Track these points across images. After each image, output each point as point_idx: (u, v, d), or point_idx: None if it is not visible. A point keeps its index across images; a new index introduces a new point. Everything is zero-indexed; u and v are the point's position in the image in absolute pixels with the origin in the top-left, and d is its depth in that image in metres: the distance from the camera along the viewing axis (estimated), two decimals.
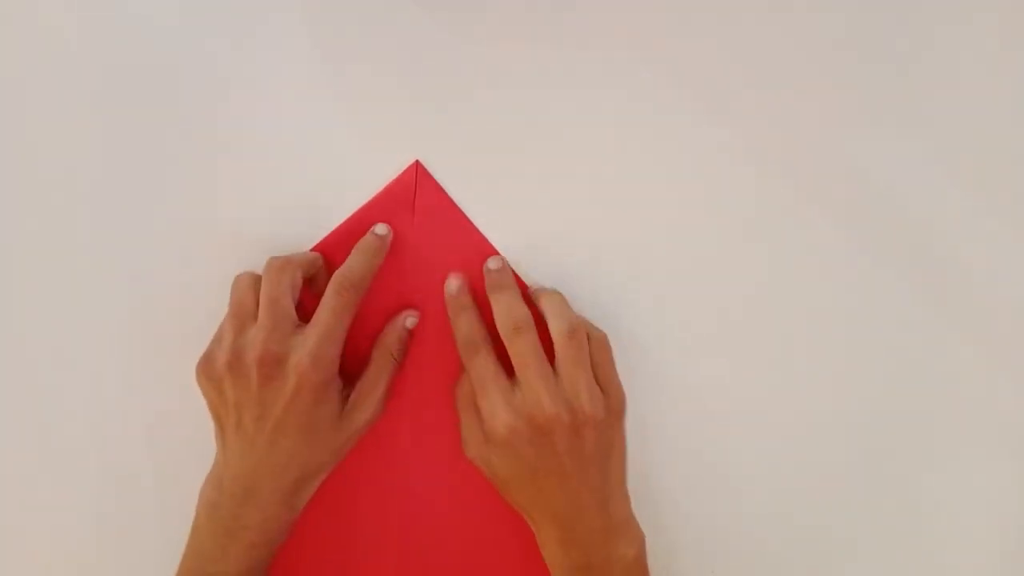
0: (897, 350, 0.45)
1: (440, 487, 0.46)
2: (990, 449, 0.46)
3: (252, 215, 0.45)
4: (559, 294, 0.44)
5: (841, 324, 0.45)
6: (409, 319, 0.44)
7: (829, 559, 0.47)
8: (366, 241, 0.44)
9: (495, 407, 0.41)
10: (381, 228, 0.44)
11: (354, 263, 0.43)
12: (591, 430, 0.40)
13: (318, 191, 0.45)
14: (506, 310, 0.42)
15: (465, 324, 0.44)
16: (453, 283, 0.44)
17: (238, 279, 0.43)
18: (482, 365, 0.42)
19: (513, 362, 0.41)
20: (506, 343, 0.42)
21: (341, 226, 0.44)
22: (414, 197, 0.44)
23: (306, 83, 0.44)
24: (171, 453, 0.46)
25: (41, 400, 0.46)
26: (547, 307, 0.43)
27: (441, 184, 0.45)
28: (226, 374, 0.41)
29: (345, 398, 0.43)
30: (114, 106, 0.45)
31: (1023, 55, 0.44)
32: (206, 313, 0.43)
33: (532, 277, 0.45)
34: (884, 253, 0.45)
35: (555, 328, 0.42)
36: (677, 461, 0.46)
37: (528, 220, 0.45)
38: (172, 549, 0.42)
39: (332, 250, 0.44)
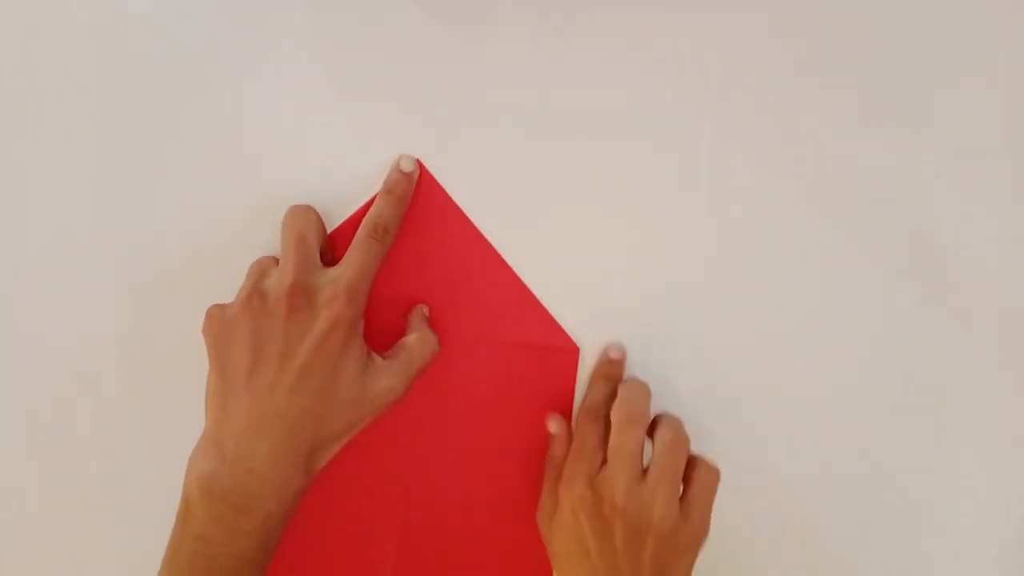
0: (897, 350, 0.45)
1: (442, 488, 0.46)
2: (990, 449, 0.46)
3: (252, 215, 0.45)
4: (678, 419, 0.42)
5: (840, 324, 0.45)
6: (425, 309, 0.44)
7: (829, 559, 0.47)
8: (394, 181, 0.42)
9: (575, 476, 0.41)
10: (407, 163, 0.42)
11: (384, 207, 0.42)
12: (653, 540, 0.39)
13: (318, 191, 0.45)
14: (631, 399, 0.41)
15: (599, 392, 0.43)
16: (616, 352, 0.44)
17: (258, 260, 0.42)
18: (588, 434, 0.42)
19: (610, 450, 0.41)
20: (614, 429, 0.41)
21: (342, 225, 0.44)
22: (414, 196, 0.44)
23: (306, 83, 0.44)
24: (170, 450, 0.46)
25: (38, 397, 0.46)
26: (662, 418, 0.42)
27: (441, 184, 0.45)
28: (245, 310, 0.38)
29: (368, 359, 0.40)
30: (112, 106, 0.44)
31: (1023, 55, 0.44)
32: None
33: (531, 276, 0.45)
34: (884, 253, 0.45)
35: (659, 437, 0.41)
36: None
37: (528, 220, 0.45)
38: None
39: (334, 248, 0.44)
